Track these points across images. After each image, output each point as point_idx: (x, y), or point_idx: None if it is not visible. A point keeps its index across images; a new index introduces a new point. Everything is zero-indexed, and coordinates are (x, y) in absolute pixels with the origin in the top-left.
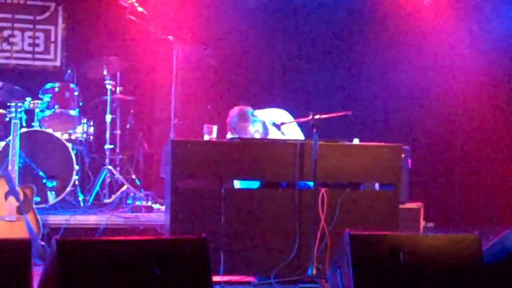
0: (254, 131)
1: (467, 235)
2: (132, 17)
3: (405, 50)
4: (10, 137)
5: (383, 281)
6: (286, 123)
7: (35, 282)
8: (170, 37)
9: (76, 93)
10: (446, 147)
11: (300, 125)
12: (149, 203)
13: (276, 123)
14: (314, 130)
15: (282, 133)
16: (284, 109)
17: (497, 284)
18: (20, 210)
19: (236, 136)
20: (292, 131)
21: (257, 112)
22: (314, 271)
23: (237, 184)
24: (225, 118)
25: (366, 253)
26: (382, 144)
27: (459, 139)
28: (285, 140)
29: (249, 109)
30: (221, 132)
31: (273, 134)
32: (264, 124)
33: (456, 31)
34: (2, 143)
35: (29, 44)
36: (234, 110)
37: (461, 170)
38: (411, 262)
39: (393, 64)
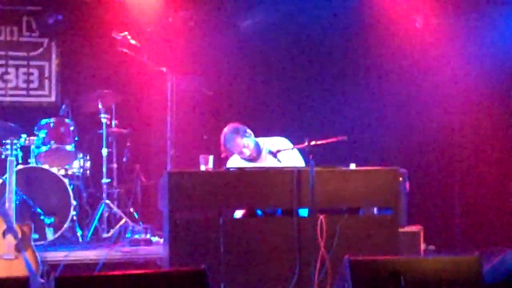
0: (244, 144)
1: (467, 257)
2: (125, 50)
3: (399, 72)
4: (6, 175)
5: None
6: (282, 150)
7: None
8: (164, 69)
9: (71, 128)
10: (445, 169)
11: (299, 151)
12: (148, 236)
13: (272, 151)
14: (310, 156)
15: (279, 160)
16: (283, 136)
17: None
18: (18, 248)
19: (229, 154)
20: (291, 158)
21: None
22: None
23: (238, 214)
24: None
25: (367, 278)
26: (379, 168)
27: (458, 160)
28: (282, 168)
29: (244, 127)
30: (218, 162)
31: (270, 163)
32: (257, 144)
33: (451, 48)
34: None
35: (24, 81)
36: (228, 126)
37: (460, 191)
38: (412, 286)
39: (388, 87)
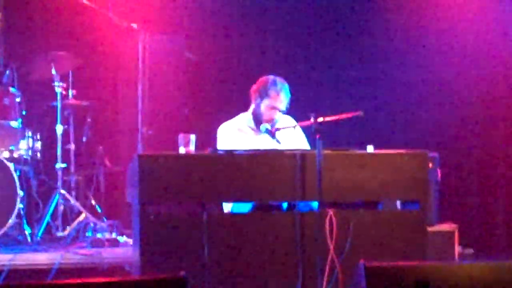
0: (282, 104)
1: (510, 263)
2: (86, 1)
3: (428, 38)
4: None
5: None
6: (281, 128)
7: None
8: (135, 25)
9: (17, 99)
10: (484, 154)
11: (304, 130)
12: (114, 235)
13: (269, 129)
14: (318, 136)
15: (278, 141)
16: (286, 113)
17: None
18: None
19: (262, 102)
20: (293, 138)
21: (246, 118)
22: None
23: (227, 207)
24: (205, 126)
25: None
26: (403, 151)
27: (501, 144)
28: (281, 151)
29: None
30: (201, 143)
31: (268, 143)
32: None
33: (486, 15)
34: None
35: None
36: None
37: (504, 182)
38: None
39: (414, 55)
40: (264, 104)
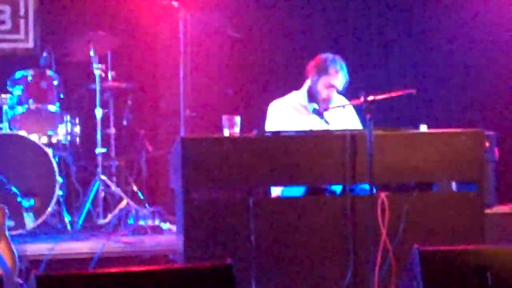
0: (341, 83)
1: None
2: None
3: (487, 11)
4: None
5: None
6: (330, 108)
7: None
8: (175, 3)
9: (55, 82)
10: None
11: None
12: (157, 222)
13: (317, 109)
14: (368, 116)
15: (326, 122)
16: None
17: None
18: None
19: (320, 79)
20: (345, 119)
21: (300, 96)
22: None
23: (276, 192)
24: (250, 107)
25: (442, 274)
26: (459, 130)
27: None
28: (330, 132)
29: None
30: (247, 125)
31: (317, 124)
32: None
33: None
34: None
35: None
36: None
37: None
38: (503, 284)
39: (469, 27)
40: (322, 82)
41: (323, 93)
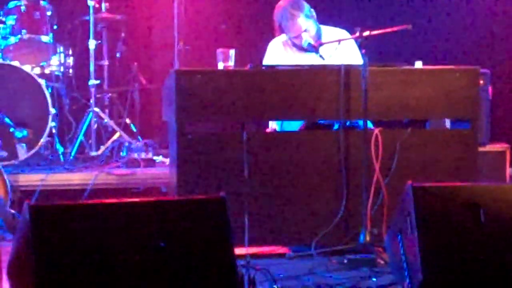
0: (305, 27)
1: None
2: None
3: None
4: None
5: (458, 246)
6: (324, 43)
7: (4, 260)
8: None
9: (48, 13)
10: None
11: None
12: (150, 155)
13: (312, 44)
14: (363, 51)
15: (321, 56)
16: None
17: None
18: None
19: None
20: (344, 54)
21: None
22: (368, 237)
23: (273, 126)
24: (245, 41)
25: (436, 210)
26: (454, 67)
27: None
28: (324, 66)
29: (307, 4)
30: (241, 59)
31: (314, 59)
32: (319, 30)
33: None
34: None
35: None
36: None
37: None
38: (495, 221)
39: None
40: (288, 35)
41: (296, 41)
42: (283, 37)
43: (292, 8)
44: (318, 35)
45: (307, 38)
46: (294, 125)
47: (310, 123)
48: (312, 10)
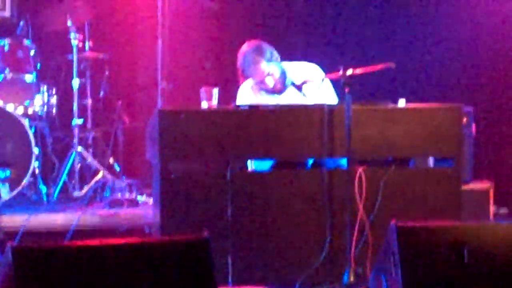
0: (268, 72)
1: None
2: None
3: None
4: None
5: (442, 287)
6: (309, 81)
7: None
8: None
9: (32, 52)
10: None
11: (332, 83)
12: (133, 195)
13: (295, 83)
14: (347, 90)
15: (304, 95)
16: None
17: None
18: None
19: (248, 81)
20: (321, 92)
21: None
22: (352, 278)
23: (250, 165)
24: (229, 79)
25: (419, 250)
26: (437, 105)
27: None
28: (307, 105)
29: (270, 47)
30: (224, 97)
31: (294, 98)
32: (284, 73)
33: None
34: None
35: None
36: (249, 43)
37: None
38: (479, 260)
39: (447, 3)
40: (254, 80)
41: (261, 86)
42: (251, 81)
43: (253, 54)
44: (283, 77)
45: (275, 81)
46: (265, 164)
47: (281, 162)
48: (274, 53)
